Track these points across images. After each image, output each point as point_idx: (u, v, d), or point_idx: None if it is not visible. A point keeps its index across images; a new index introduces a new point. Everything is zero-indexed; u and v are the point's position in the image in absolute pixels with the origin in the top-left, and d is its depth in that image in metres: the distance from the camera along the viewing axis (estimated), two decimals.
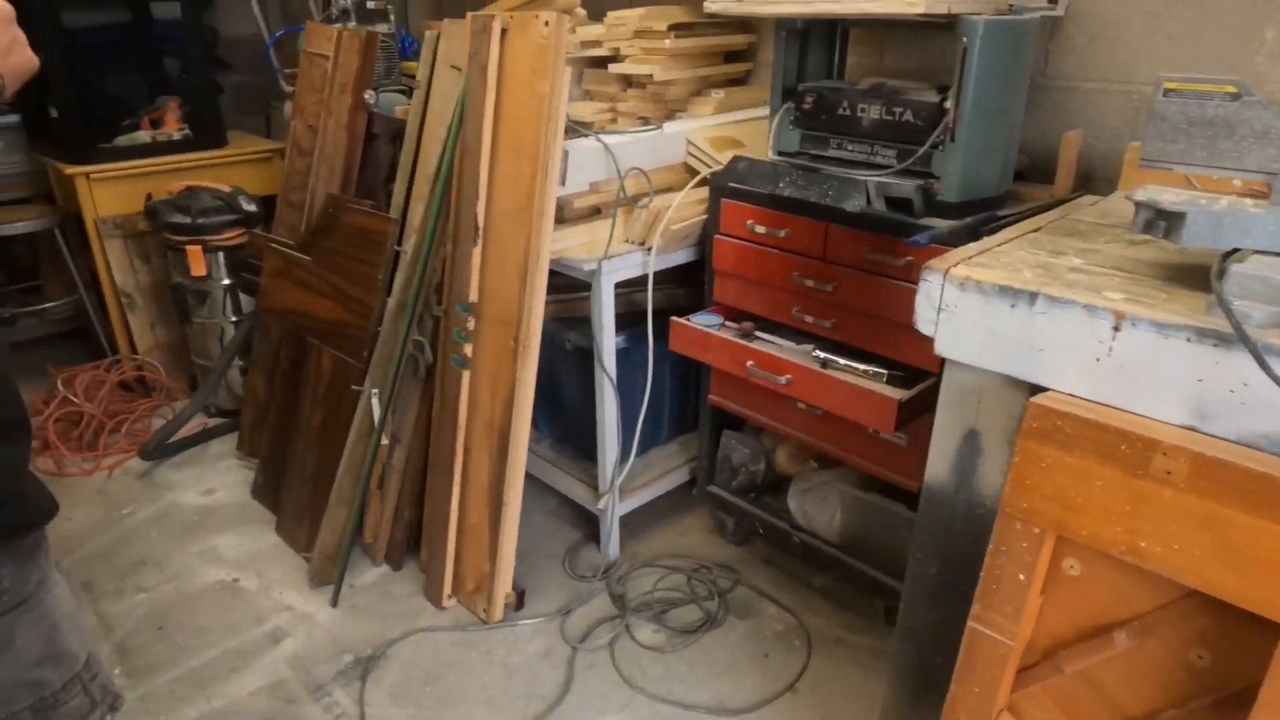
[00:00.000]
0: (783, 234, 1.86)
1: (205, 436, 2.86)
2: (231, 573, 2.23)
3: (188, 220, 2.77)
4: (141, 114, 3.20)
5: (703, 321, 2.00)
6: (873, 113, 1.73)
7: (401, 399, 2.13)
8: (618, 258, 1.98)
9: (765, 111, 2.41)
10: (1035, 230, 1.45)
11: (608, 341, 2.04)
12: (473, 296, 1.92)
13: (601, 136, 2.03)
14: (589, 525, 2.41)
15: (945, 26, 1.73)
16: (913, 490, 1.83)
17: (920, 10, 1.45)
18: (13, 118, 3.19)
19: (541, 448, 2.47)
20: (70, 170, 2.90)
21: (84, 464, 2.71)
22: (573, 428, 2.43)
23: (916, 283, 1.68)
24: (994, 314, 1.18)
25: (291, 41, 3.09)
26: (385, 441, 2.09)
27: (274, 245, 2.45)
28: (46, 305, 3.32)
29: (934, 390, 1.72)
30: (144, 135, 3.15)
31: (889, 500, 1.96)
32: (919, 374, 1.74)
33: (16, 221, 3.01)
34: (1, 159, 3.22)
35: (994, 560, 1.19)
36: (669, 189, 2.18)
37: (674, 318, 2.00)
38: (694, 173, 2.21)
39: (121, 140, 3.10)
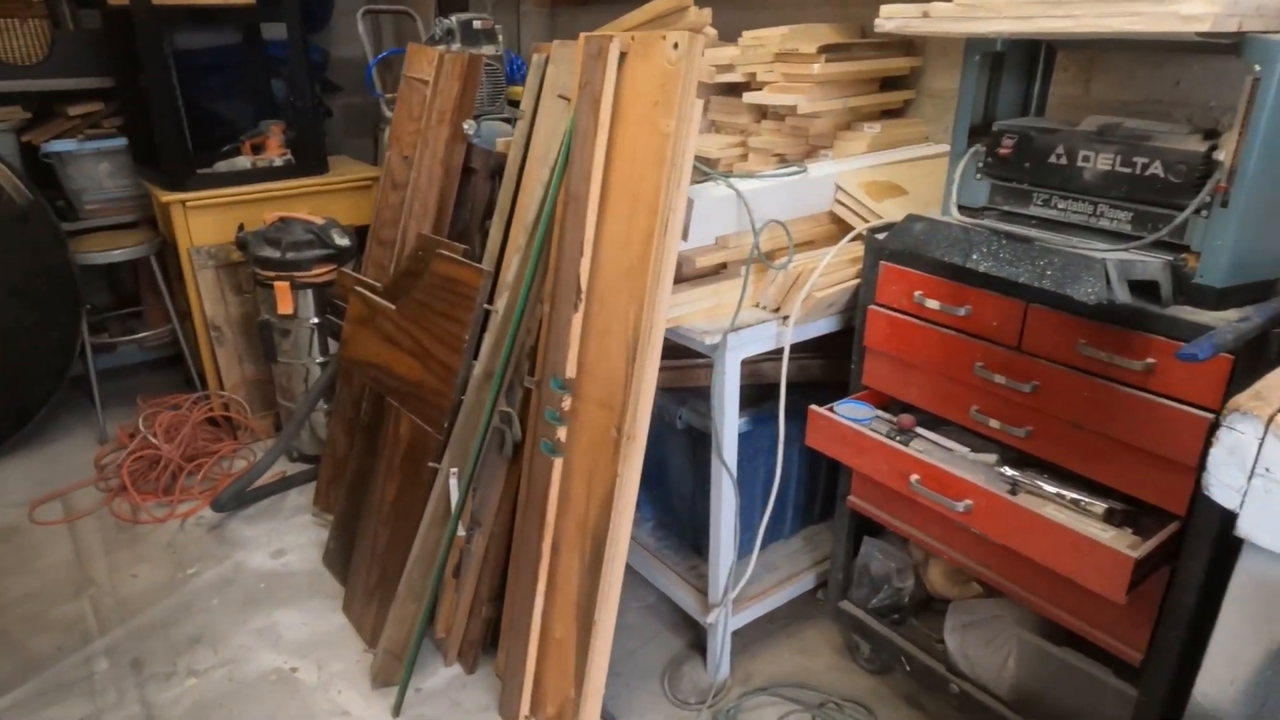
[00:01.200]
0: (962, 312, 1.45)
1: (283, 486, 2.67)
2: (290, 660, 1.98)
3: (277, 255, 2.59)
4: (244, 138, 3.07)
5: (851, 414, 1.61)
6: (1100, 162, 1.30)
7: (484, 478, 1.83)
8: (747, 329, 1.62)
9: (928, 150, 2.00)
10: None
11: (729, 430, 1.68)
12: (570, 371, 1.60)
13: (733, 181, 1.68)
14: (693, 631, 2.05)
15: (1199, 49, 1.30)
16: (1130, 662, 1.38)
17: (1205, 27, 1.03)
18: (120, 141, 3.12)
19: (642, 533, 2.13)
20: (166, 198, 2.77)
21: (157, 511, 2.55)
22: (678, 513, 2.08)
23: (1158, 393, 1.25)
24: None
25: (399, 64, 2.89)
26: (462, 533, 1.79)
27: (358, 289, 2.22)
28: (144, 334, 3.23)
29: (1177, 538, 1.29)
30: (244, 161, 3.02)
31: (1087, 659, 1.51)
32: (1142, 506, 1.30)
33: (114, 249, 2.92)
34: (108, 182, 3.16)
35: None
36: (809, 243, 1.81)
37: (814, 409, 1.61)
38: (841, 224, 1.83)
39: (221, 166, 2.98)
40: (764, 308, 1.70)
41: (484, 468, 1.82)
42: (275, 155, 3.09)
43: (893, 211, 1.72)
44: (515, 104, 2.38)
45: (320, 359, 2.73)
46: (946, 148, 2.03)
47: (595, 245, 1.55)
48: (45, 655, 2.00)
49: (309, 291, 2.64)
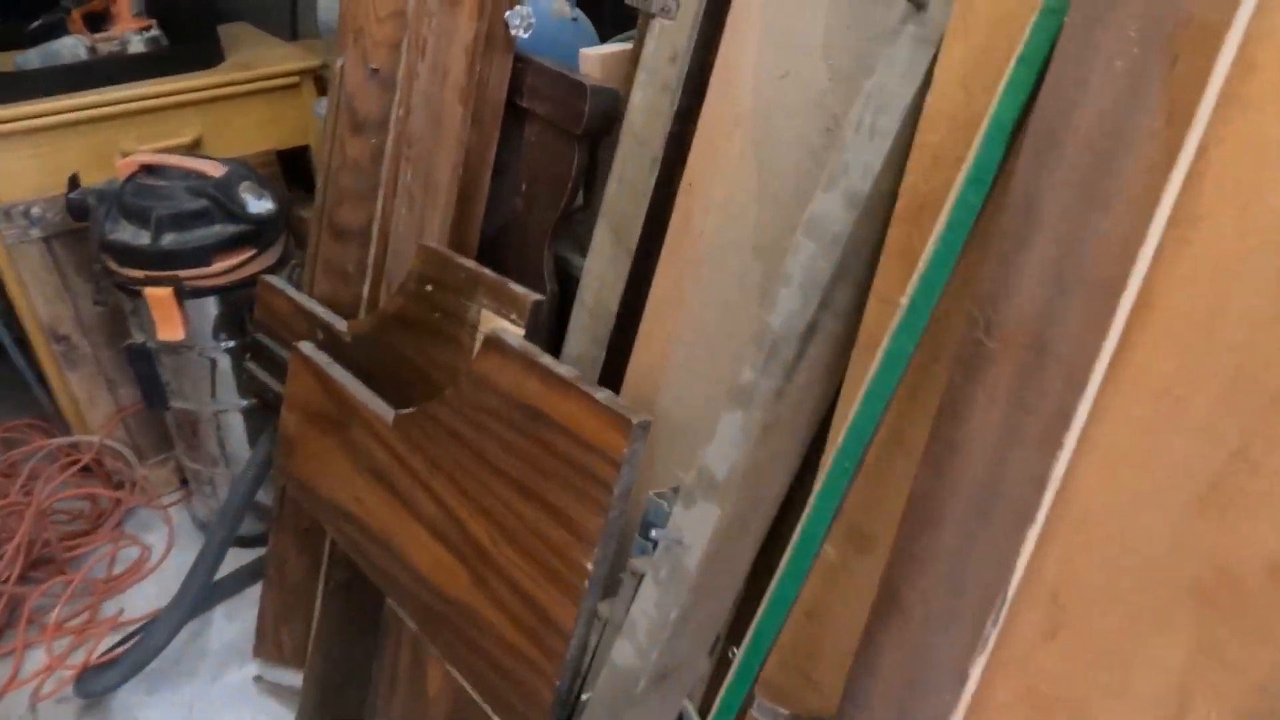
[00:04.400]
0: None
1: (205, 604, 1.65)
2: None
3: (144, 240, 1.44)
4: (68, 2, 1.79)
5: None
6: None
7: None
8: None
9: None
10: None
11: None
12: None
13: None
14: None
15: None
16: None
17: None
18: None
19: None
20: None
21: None
22: None
23: None
24: None
25: None
26: None
27: (301, 346, 1.12)
28: None
29: None
30: (76, 44, 1.76)
31: None
32: None
33: None
34: None
35: None
36: None
37: None
38: None
39: (34, 57, 1.73)
40: None
41: None
42: (129, 30, 1.83)
43: None
44: None
45: (243, 403, 1.65)
46: None
47: (1076, 474, 0.51)
48: None
49: (210, 299, 1.52)
